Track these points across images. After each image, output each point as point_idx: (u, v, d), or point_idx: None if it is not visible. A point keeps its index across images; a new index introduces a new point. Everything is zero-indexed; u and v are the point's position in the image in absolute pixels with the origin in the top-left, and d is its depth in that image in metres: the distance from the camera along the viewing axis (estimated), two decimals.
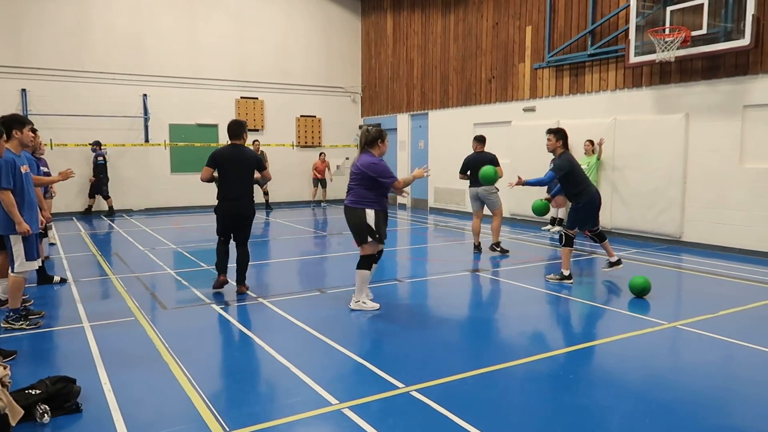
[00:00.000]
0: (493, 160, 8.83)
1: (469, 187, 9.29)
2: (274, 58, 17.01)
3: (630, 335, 5.17)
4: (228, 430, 3.39)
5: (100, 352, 4.73)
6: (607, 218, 10.89)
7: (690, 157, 9.59)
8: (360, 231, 5.78)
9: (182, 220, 13.92)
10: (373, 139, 5.83)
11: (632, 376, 4.27)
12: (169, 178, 15.84)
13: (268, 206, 16.11)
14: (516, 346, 5.00)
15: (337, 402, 3.74)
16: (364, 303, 5.97)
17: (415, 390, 3.92)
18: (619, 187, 10.62)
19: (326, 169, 17.16)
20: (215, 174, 6.44)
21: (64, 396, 3.66)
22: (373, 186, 5.73)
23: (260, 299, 6.42)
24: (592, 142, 10.78)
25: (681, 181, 9.67)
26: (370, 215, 5.71)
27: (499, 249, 9.24)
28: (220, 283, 6.73)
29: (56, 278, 7.14)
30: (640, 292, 6.47)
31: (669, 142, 9.76)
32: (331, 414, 3.59)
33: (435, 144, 15.53)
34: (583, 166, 10.78)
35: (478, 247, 9.34)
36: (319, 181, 17.15)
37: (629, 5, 9.99)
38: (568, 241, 7.28)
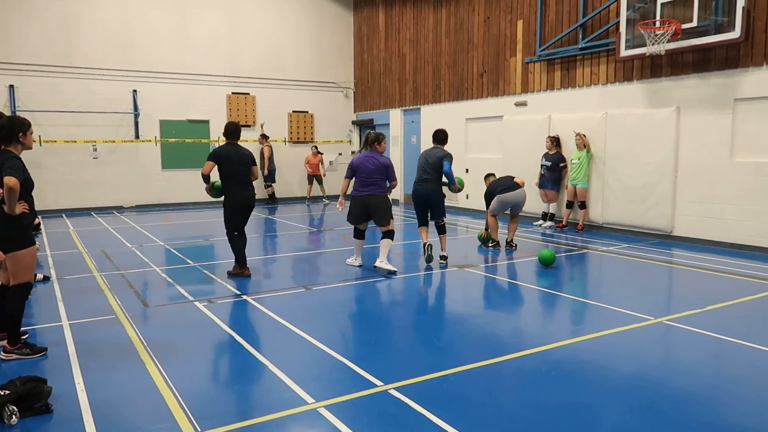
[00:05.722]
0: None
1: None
2: (266, 53, 16.87)
3: (616, 331, 5.12)
4: (199, 430, 3.32)
5: (76, 351, 4.65)
6: (598, 213, 10.83)
7: (681, 151, 9.52)
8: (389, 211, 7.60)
9: (173, 216, 13.82)
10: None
11: (617, 373, 4.21)
12: (161, 174, 15.72)
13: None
14: (499, 343, 4.93)
15: (313, 401, 3.67)
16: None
17: (394, 388, 3.85)
18: (610, 182, 10.54)
19: (320, 163, 16.72)
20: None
21: (33, 396, 3.58)
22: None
23: (244, 296, 6.35)
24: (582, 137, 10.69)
25: (672, 176, 9.59)
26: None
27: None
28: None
29: (38, 276, 7.05)
30: (546, 263, 7.63)
31: (660, 136, 9.69)
32: (305, 413, 3.52)
33: (427, 139, 15.35)
34: (574, 161, 10.85)
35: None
36: (314, 178, 16.74)
37: None
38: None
